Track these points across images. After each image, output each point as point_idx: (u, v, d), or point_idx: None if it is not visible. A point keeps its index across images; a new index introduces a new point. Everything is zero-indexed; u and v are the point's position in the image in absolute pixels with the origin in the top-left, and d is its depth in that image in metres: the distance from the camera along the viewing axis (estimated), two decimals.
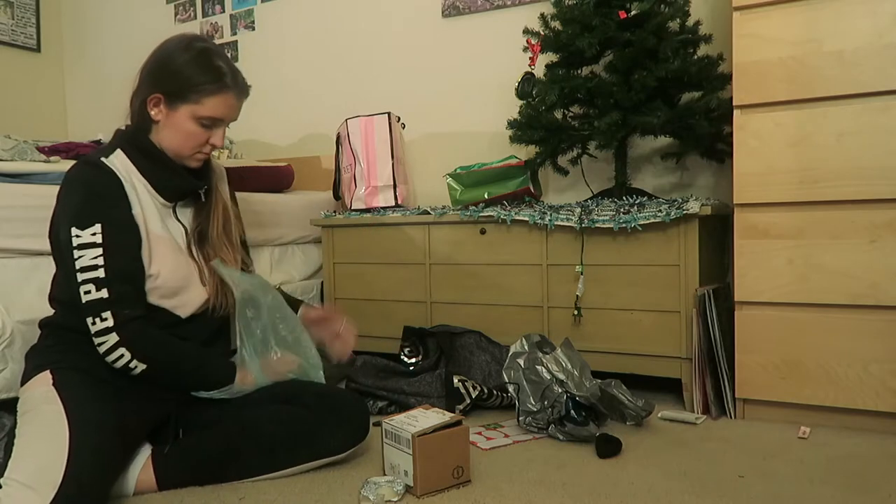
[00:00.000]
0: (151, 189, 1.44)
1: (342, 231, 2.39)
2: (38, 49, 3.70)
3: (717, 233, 2.05)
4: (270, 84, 3.16)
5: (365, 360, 2.02)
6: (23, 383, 1.38)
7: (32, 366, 1.39)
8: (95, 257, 1.30)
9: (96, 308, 1.29)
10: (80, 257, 1.30)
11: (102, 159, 1.39)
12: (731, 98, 1.76)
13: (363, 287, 2.35)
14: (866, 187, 1.62)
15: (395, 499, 1.29)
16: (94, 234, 1.31)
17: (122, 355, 1.31)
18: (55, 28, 3.79)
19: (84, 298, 1.29)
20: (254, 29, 3.21)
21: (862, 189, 1.63)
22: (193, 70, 1.39)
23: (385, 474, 1.38)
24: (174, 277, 1.42)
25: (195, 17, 3.37)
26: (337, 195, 2.59)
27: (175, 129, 1.42)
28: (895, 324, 1.61)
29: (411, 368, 2.00)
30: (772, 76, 1.70)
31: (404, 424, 1.34)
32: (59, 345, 1.39)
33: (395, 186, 2.41)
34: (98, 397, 1.28)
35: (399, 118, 2.53)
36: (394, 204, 2.40)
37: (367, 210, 2.40)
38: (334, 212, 2.45)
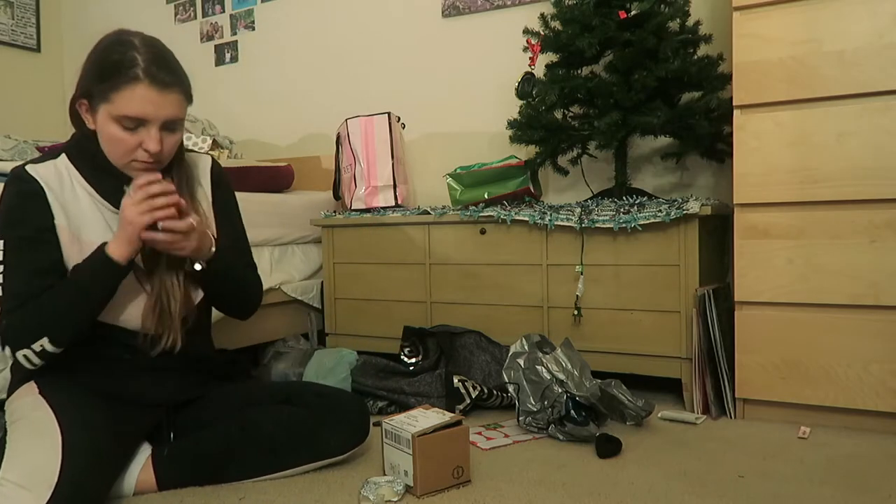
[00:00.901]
0: (98, 196, 1.33)
1: (342, 231, 2.39)
2: (38, 49, 3.70)
3: (717, 233, 2.05)
4: (270, 84, 3.16)
5: (365, 360, 2.02)
6: (9, 394, 1.38)
7: (17, 378, 1.38)
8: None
9: None
10: None
11: (28, 167, 1.30)
12: (731, 98, 1.76)
13: (363, 287, 2.35)
14: (866, 187, 1.62)
15: (395, 499, 1.29)
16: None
17: (23, 356, 1.25)
18: (55, 28, 3.79)
19: None
20: (254, 29, 3.21)
21: (862, 189, 1.63)
22: (101, 64, 1.24)
23: (385, 474, 1.38)
24: None
25: (195, 17, 3.37)
26: (337, 195, 2.59)
27: (102, 135, 1.28)
28: (895, 324, 1.61)
29: (411, 368, 2.00)
30: (772, 76, 1.70)
31: (404, 424, 1.34)
32: None
33: (395, 186, 2.41)
34: (85, 401, 1.27)
35: (399, 118, 2.53)
36: (394, 204, 2.40)
37: (367, 210, 2.40)
38: (334, 212, 2.45)
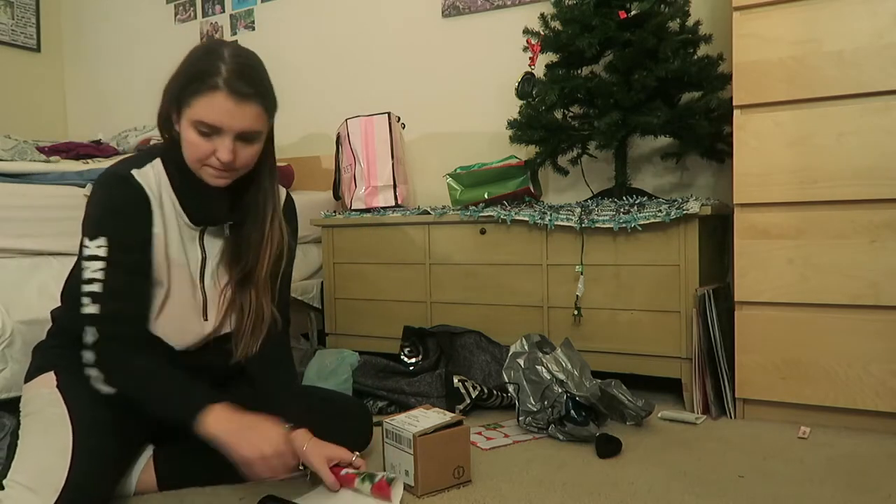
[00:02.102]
0: (179, 208, 1.34)
1: (342, 231, 2.39)
2: (38, 49, 3.70)
3: (717, 233, 2.05)
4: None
5: (365, 360, 2.02)
6: (27, 380, 1.38)
7: (37, 365, 1.38)
8: (96, 270, 1.25)
9: (86, 322, 1.25)
10: (84, 268, 1.26)
11: (134, 171, 1.30)
12: (731, 98, 1.76)
13: (363, 287, 2.35)
14: (866, 187, 1.62)
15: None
16: (99, 248, 1.25)
17: (92, 376, 1.25)
18: (55, 28, 3.79)
19: (81, 310, 1.26)
20: (254, 29, 3.21)
21: (862, 189, 1.63)
22: (188, 69, 1.26)
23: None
24: (176, 307, 1.35)
25: (195, 17, 3.37)
26: (337, 195, 2.59)
27: (183, 139, 1.28)
28: (895, 324, 1.61)
29: (411, 368, 2.00)
30: (772, 76, 1.70)
31: (405, 424, 1.34)
32: (64, 347, 1.38)
33: (395, 186, 2.41)
34: (101, 400, 1.27)
35: (399, 118, 2.53)
36: (394, 204, 2.40)
37: (367, 210, 2.40)
38: (334, 212, 2.45)
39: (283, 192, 1.48)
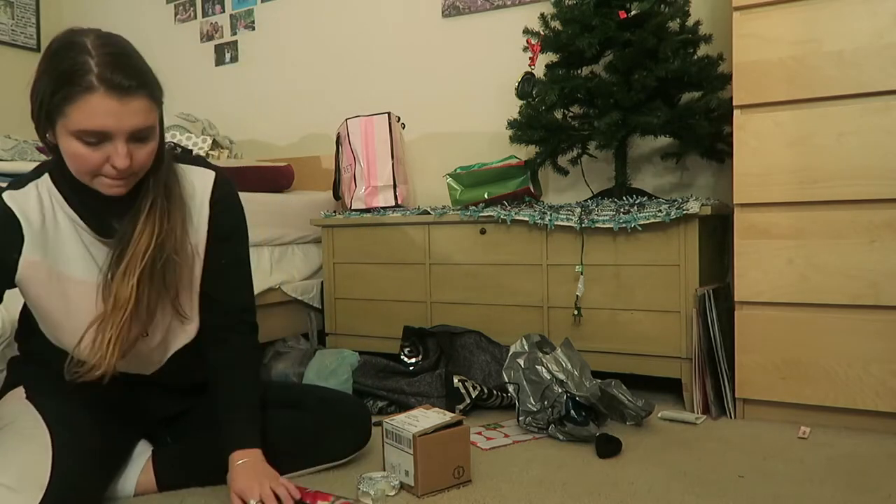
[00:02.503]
0: (81, 223, 1.20)
1: (342, 231, 2.39)
2: (38, 49, 3.70)
3: (717, 233, 2.05)
4: (270, 84, 3.16)
5: (365, 360, 2.02)
6: (2, 394, 1.36)
7: (8, 382, 1.37)
8: None
9: None
10: None
11: (6, 193, 1.18)
12: (731, 98, 1.76)
13: (363, 287, 2.35)
14: (866, 187, 1.62)
15: (393, 493, 1.30)
16: None
17: None
18: (55, 28, 3.75)
19: None
20: (254, 29, 3.21)
21: (862, 189, 1.63)
22: (52, 73, 1.07)
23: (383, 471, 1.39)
24: (81, 324, 1.21)
25: (195, 17, 3.37)
26: (337, 195, 2.59)
27: (64, 153, 1.11)
28: (895, 324, 1.61)
29: (411, 368, 2.00)
30: (772, 76, 1.70)
31: (405, 424, 1.34)
32: (29, 363, 1.36)
33: (395, 186, 2.41)
34: (73, 404, 1.25)
35: (399, 118, 2.53)
36: (394, 204, 2.40)
37: (367, 210, 2.40)
38: (334, 212, 2.45)
39: (208, 177, 1.31)
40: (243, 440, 1.28)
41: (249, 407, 1.32)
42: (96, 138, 1.08)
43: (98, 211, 1.21)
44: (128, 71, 1.07)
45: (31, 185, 1.21)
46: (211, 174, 1.32)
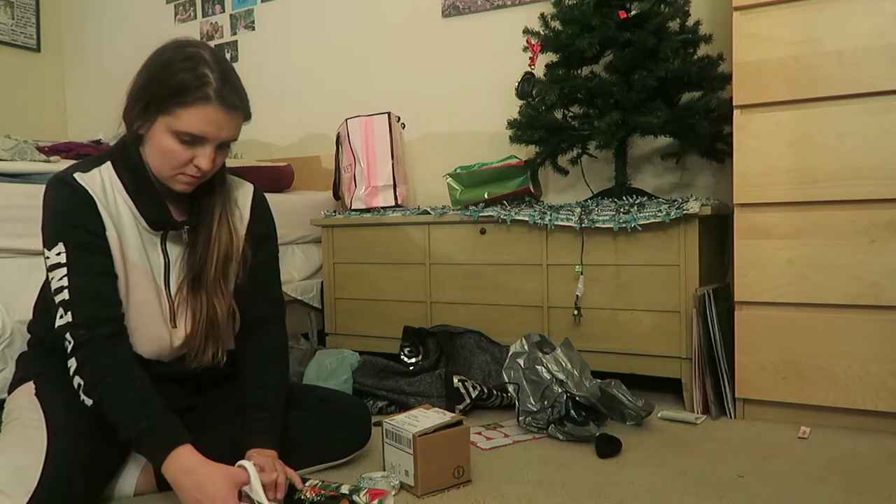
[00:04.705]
0: (137, 212, 1.29)
1: (342, 231, 2.39)
2: (38, 49, 3.70)
3: (717, 233, 2.06)
4: (270, 84, 3.16)
5: (365, 360, 2.02)
6: (10, 390, 1.38)
7: (19, 376, 1.38)
8: (62, 278, 1.21)
9: (63, 331, 1.22)
10: (52, 279, 1.23)
11: (76, 174, 1.26)
12: (731, 98, 1.76)
13: (363, 287, 2.35)
14: (866, 187, 1.62)
15: (393, 493, 1.30)
16: (59, 254, 1.22)
17: (78, 384, 1.21)
18: (55, 28, 3.79)
19: (56, 322, 1.22)
20: (254, 29, 3.21)
21: (862, 189, 1.63)
22: (172, 76, 1.20)
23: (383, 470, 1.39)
24: (140, 313, 1.30)
25: (195, 17, 3.37)
26: (337, 195, 2.59)
27: (153, 145, 1.24)
28: (895, 324, 1.61)
29: (411, 368, 2.00)
30: (772, 76, 1.70)
31: (405, 424, 1.34)
32: (42, 356, 1.38)
33: (395, 186, 2.41)
34: (78, 405, 1.25)
35: (399, 118, 2.53)
36: (394, 204, 2.40)
37: (367, 210, 2.40)
38: (334, 212, 2.45)
39: (249, 188, 1.46)
40: (263, 440, 1.31)
41: (274, 407, 1.37)
42: (192, 140, 1.21)
43: (155, 204, 1.30)
44: (238, 92, 1.24)
45: (95, 171, 1.28)
46: (249, 185, 1.47)
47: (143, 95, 1.22)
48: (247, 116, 1.28)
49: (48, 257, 1.23)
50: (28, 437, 1.19)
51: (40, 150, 2.53)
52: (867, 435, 1.62)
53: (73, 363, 1.22)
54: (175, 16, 3.44)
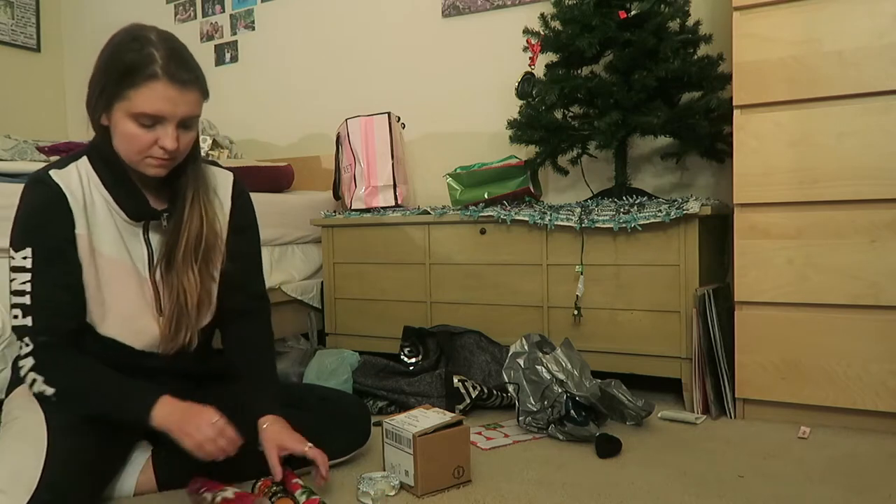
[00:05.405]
0: (114, 204, 1.30)
1: (342, 231, 2.39)
2: (38, 49, 3.70)
3: (717, 233, 2.06)
4: (270, 84, 3.16)
5: (365, 360, 2.02)
6: (9, 392, 1.38)
7: (17, 376, 1.37)
8: (24, 282, 1.22)
9: (21, 333, 1.23)
10: (13, 279, 1.23)
11: (52, 171, 1.27)
12: (731, 98, 1.76)
13: (363, 287, 2.35)
14: (866, 187, 1.62)
15: (393, 493, 1.31)
16: (24, 258, 1.23)
17: (34, 380, 1.22)
18: (55, 28, 3.79)
19: (12, 322, 1.24)
20: (254, 29, 3.21)
21: (862, 189, 1.63)
22: (120, 60, 1.21)
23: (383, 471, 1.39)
24: (122, 305, 1.31)
25: (195, 17, 3.37)
26: (337, 195, 2.59)
27: (117, 133, 1.24)
28: (895, 324, 1.61)
29: (411, 368, 2.00)
30: (772, 76, 1.70)
31: (405, 424, 1.34)
32: None
33: (395, 186, 2.41)
34: None
35: (399, 118, 2.53)
36: (394, 204, 2.40)
37: (367, 210, 2.40)
38: (334, 212, 2.45)
39: (228, 177, 1.46)
40: (273, 407, 1.36)
41: (274, 383, 1.44)
42: (151, 121, 1.21)
43: (131, 194, 1.31)
44: (187, 66, 1.25)
45: (72, 166, 1.30)
46: (229, 173, 1.47)
47: (98, 84, 1.23)
48: (204, 93, 1.28)
49: (13, 258, 1.24)
50: (28, 437, 1.19)
51: (40, 150, 2.53)
52: (867, 435, 1.62)
53: (28, 362, 1.23)
54: (175, 16, 3.44)
